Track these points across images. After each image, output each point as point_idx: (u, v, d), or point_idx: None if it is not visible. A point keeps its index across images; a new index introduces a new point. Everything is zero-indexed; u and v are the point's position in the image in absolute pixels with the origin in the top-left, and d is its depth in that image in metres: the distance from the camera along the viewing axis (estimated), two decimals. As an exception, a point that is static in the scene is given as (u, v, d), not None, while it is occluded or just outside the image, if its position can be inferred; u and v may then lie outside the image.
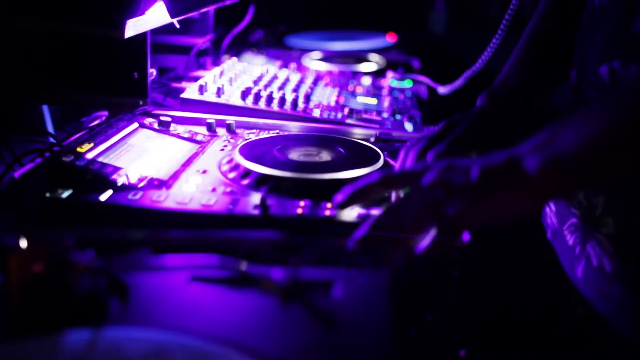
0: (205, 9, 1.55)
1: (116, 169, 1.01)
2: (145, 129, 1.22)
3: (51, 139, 1.23)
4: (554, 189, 0.73)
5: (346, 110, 1.44)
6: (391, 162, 1.13)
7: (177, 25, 1.30)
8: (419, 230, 0.77)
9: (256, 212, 0.91)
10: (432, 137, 1.04)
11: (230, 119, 1.33)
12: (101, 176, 0.98)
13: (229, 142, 1.23)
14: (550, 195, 0.74)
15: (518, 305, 1.18)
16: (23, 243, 0.68)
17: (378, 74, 1.94)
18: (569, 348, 1.03)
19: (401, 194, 0.89)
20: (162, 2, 1.16)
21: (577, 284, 1.01)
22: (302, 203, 0.94)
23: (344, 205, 0.81)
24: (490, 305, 1.13)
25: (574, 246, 1.00)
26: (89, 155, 1.03)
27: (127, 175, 0.99)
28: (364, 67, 2.04)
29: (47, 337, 0.61)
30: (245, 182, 1.01)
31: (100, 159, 1.03)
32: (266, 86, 1.54)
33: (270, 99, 1.43)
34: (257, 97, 1.43)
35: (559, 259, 1.06)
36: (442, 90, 1.76)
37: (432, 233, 0.76)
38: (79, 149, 1.03)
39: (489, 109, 1.12)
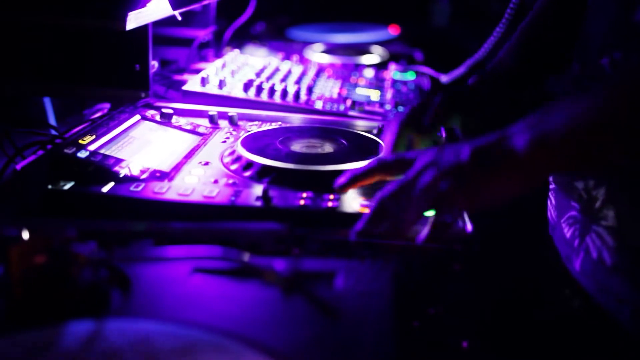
0: (207, 2, 1.55)
1: (118, 161, 1.01)
2: (147, 121, 1.22)
3: (53, 131, 1.23)
4: (542, 168, 0.73)
5: (349, 102, 1.43)
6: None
7: (179, 18, 1.30)
8: (415, 218, 0.78)
9: (258, 203, 0.91)
10: (413, 109, 1.04)
11: (233, 111, 1.33)
12: (103, 168, 0.98)
13: (231, 134, 1.23)
14: (540, 175, 0.74)
15: (519, 298, 1.18)
16: (25, 235, 0.68)
17: (380, 66, 1.93)
18: (568, 341, 1.03)
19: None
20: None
21: (575, 277, 1.00)
22: (304, 195, 0.93)
23: (343, 187, 0.86)
24: (492, 298, 1.13)
25: (572, 239, 1.00)
26: (91, 148, 1.03)
27: (129, 167, 0.99)
28: (366, 59, 2.03)
29: (48, 328, 0.61)
30: (247, 173, 1.01)
31: (102, 151, 1.03)
32: (268, 78, 1.54)
33: (272, 91, 1.42)
34: (259, 89, 1.43)
35: (558, 254, 1.05)
36: (444, 79, 1.76)
37: (430, 221, 0.78)
38: (80, 141, 1.03)
39: (474, 84, 1.13)
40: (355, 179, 0.86)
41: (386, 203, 0.79)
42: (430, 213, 0.83)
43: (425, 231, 0.79)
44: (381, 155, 1.00)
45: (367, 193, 0.94)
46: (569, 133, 0.71)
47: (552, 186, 1.07)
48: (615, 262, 0.92)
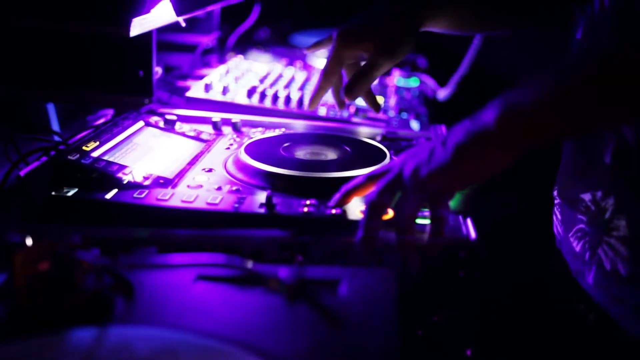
0: (211, 8, 1.55)
1: (122, 167, 1.01)
2: (150, 128, 1.22)
3: (56, 138, 1.23)
4: (516, 138, 0.75)
5: (352, 109, 1.43)
6: (395, 159, 1.12)
7: (183, 24, 1.30)
8: (409, 211, 0.79)
9: (262, 210, 0.91)
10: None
11: (236, 118, 1.33)
12: (107, 174, 0.98)
13: (234, 140, 1.23)
14: (515, 147, 0.75)
15: (523, 305, 1.17)
16: (28, 241, 0.68)
17: (384, 73, 1.93)
18: (580, 354, 1.02)
19: None
20: (169, 0, 1.16)
21: (588, 290, 0.99)
22: (307, 202, 0.93)
23: (339, 203, 0.88)
24: (496, 305, 1.13)
25: (582, 252, 0.99)
26: (95, 154, 1.03)
27: (132, 174, 0.99)
28: (369, 65, 2.03)
29: (52, 335, 0.61)
30: (251, 180, 1.01)
31: (105, 158, 1.03)
32: (272, 84, 1.54)
33: (275, 97, 1.42)
34: (263, 95, 1.43)
35: (567, 267, 1.05)
36: (441, 95, 1.77)
37: (428, 223, 0.81)
38: (84, 148, 1.03)
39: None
40: (348, 193, 0.88)
41: (375, 202, 0.81)
42: (425, 221, 0.83)
43: (427, 235, 0.81)
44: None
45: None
46: (539, 100, 0.74)
47: (557, 201, 1.07)
48: (630, 271, 0.91)
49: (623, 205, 0.92)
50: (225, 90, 1.43)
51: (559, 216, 1.07)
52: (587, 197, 0.97)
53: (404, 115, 1.46)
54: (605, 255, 0.94)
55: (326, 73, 1.09)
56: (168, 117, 1.27)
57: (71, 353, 0.59)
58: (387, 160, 1.09)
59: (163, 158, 1.10)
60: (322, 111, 1.40)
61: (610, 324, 0.96)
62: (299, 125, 1.34)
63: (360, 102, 1.52)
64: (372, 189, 0.85)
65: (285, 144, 1.14)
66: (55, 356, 0.59)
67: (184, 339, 0.61)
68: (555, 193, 1.07)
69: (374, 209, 0.81)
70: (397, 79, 1.83)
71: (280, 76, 1.64)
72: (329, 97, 1.52)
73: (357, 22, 1.09)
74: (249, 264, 0.72)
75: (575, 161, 1.01)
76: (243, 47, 2.12)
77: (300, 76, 1.68)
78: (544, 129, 0.75)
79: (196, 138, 1.22)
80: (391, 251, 0.84)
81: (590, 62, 0.75)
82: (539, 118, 0.74)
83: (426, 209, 0.82)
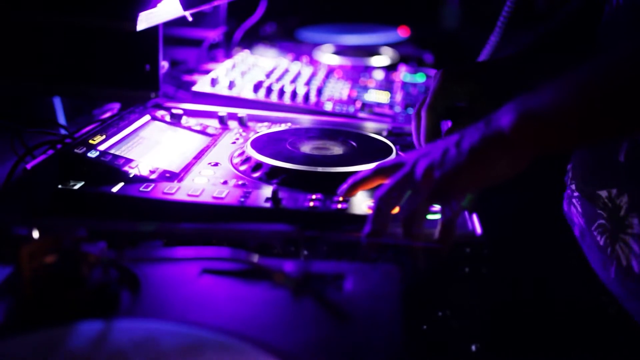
0: (218, 2, 1.55)
1: (128, 161, 1.01)
2: (157, 122, 1.22)
3: (63, 131, 1.23)
4: (531, 143, 0.73)
5: (358, 104, 1.43)
6: (403, 155, 1.12)
7: (190, 18, 1.30)
8: (418, 209, 0.78)
9: (268, 205, 0.91)
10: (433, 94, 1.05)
11: (242, 112, 1.33)
12: (113, 168, 0.98)
13: (240, 135, 1.23)
14: (530, 152, 0.74)
15: (528, 301, 1.17)
16: (35, 234, 0.68)
17: (390, 68, 1.93)
18: (596, 347, 1.02)
19: None
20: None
21: (609, 283, 0.99)
22: (313, 196, 0.93)
23: (346, 194, 0.87)
24: (501, 301, 1.13)
25: (605, 247, 0.99)
26: (101, 148, 1.03)
27: (138, 168, 0.99)
28: (376, 61, 2.03)
29: (58, 328, 0.61)
30: (256, 174, 1.01)
31: (112, 151, 1.03)
32: (278, 79, 1.54)
33: (282, 92, 1.42)
34: (269, 90, 1.43)
35: (586, 258, 1.04)
36: None
37: (439, 218, 0.80)
38: (91, 141, 1.03)
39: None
40: (356, 184, 0.87)
41: (385, 199, 0.80)
42: (435, 217, 0.83)
43: (437, 232, 0.80)
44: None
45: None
46: (556, 106, 0.72)
47: (576, 194, 1.06)
48: None
49: (636, 204, 0.92)
50: (231, 85, 1.43)
51: (579, 209, 1.06)
52: (603, 194, 0.97)
53: (410, 110, 1.46)
54: (621, 251, 0.94)
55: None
56: (174, 111, 1.27)
57: (76, 346, 0.59)
58: (393, 155, 1.09)
59: (169, 152, 1.10)
60: (328, 106, 1.40)
61: (629, 317, 0.96)
62: (305, 120, 1.34)
63: (367, 97, 1.52)
64: (380, 183, 0.84)
65: (291, 139, 1.14)
66: (61, 349, 0.59)
67: (188, 332, 0.61)
68: (573, 186, 1.07)
69: (383, 204, 0.80)
70: (403, 74, 1.82)
71: (286, 71, 1.64)
72: (334, 92, 1.52)
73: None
74: (255, 258, 0.72)
75: (590, 159, 1.01)
76: (249, 41, 2.11)
77: (307, 71, 1.68)
78: (560, 136, 0.73)
79: (202, 132, 1.22)
80: (398, 247, 0.84)
81: (606, 66, 0.74)
82: (555, 124, 0.72)
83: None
